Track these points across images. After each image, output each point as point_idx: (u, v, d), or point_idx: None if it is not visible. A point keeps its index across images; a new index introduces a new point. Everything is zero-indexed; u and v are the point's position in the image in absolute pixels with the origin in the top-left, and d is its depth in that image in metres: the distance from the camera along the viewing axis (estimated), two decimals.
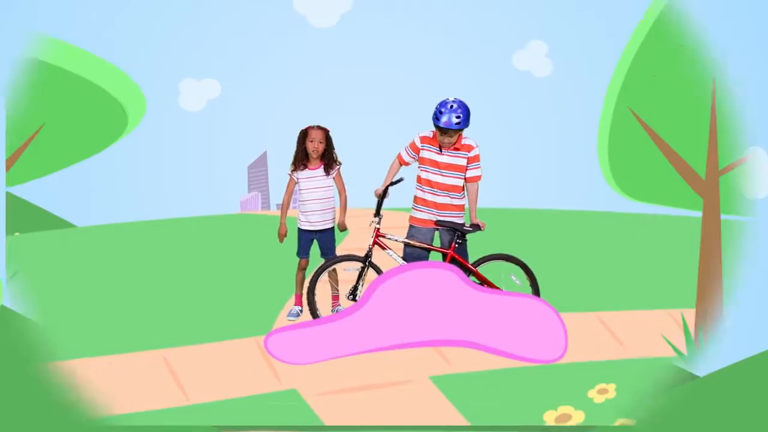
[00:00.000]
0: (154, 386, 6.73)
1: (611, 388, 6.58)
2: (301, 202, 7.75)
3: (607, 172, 7.81)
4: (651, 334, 7.49)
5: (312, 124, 7.70)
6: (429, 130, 7.50)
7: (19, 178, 8.54)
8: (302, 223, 7.76)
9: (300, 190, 7.74)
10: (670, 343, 7.17)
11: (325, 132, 7.68)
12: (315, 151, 7.63)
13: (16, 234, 9.68)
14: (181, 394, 6.65)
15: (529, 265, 7.55)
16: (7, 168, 8.19)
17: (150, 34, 11.29)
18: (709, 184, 7.34)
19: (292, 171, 7.74)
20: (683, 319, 7.33)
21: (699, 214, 7.44)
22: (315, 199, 7.69)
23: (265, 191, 13.41)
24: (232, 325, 7.71)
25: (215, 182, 11.83)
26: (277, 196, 13.65)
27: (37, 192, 9.28)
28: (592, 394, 6.54)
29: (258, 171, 12.38)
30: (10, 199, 9.74)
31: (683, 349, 7.17)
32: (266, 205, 13.24)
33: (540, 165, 11.31)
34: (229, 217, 12.18)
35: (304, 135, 7.67)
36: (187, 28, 11.56)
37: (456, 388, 6.65)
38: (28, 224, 10.03)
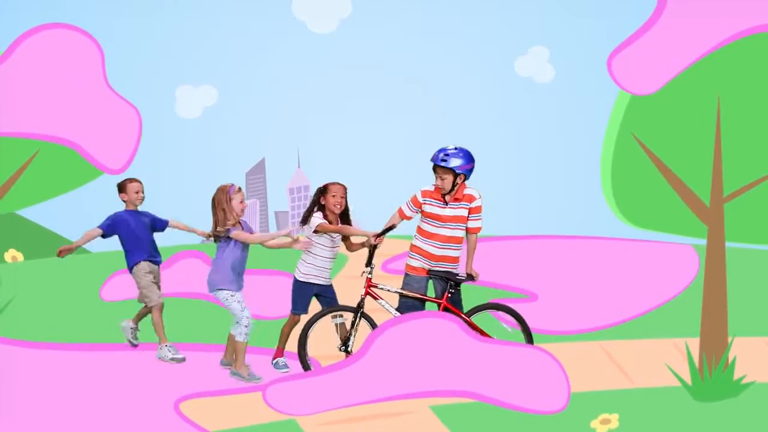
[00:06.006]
0: None
1: (614, 418, 6.53)
2: (313, 256, 7.40)
3: (611, 198, 7.73)
4: (655, 363, 7.44)
5: (329, 181, 7.35)
6: (431, 184, 7.34)
7: (14, 205, 8.47)
8: (312, 276, 7.43)
9: (317, 242, 7.39)
10: (674, 373, 7.12)
11: (345, 188, 7.39)
12: (337, 205, 7.30)
13: (11, 251, 9.62)
14: None
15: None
16: (2, 194, 8.14)
17: (146, 39, 11.20)
18: (713, 211, 7.28)
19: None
20: (687, 348, 7.29)
21: (703, 241, 7.38)
22: (330, 258, 7.45)
23: (263, 198, 13.34)
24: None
25: (213, 190, 11.75)
26: (274, 203, 13.61)
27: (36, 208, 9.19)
28: (595, 424, 6.49)
29: (256, 178, 12.31)
30: (21, 222, 9.67)
31: (687, 378, 7.12)
32: (264, 214, 13.18)
33: (542, 190, 11.23)
34: None
35: (323, 190, 7.35)
36: (183, 33, 11.46)
37: (457, 418, 6.60)
38: (39, 248, 9.96)
